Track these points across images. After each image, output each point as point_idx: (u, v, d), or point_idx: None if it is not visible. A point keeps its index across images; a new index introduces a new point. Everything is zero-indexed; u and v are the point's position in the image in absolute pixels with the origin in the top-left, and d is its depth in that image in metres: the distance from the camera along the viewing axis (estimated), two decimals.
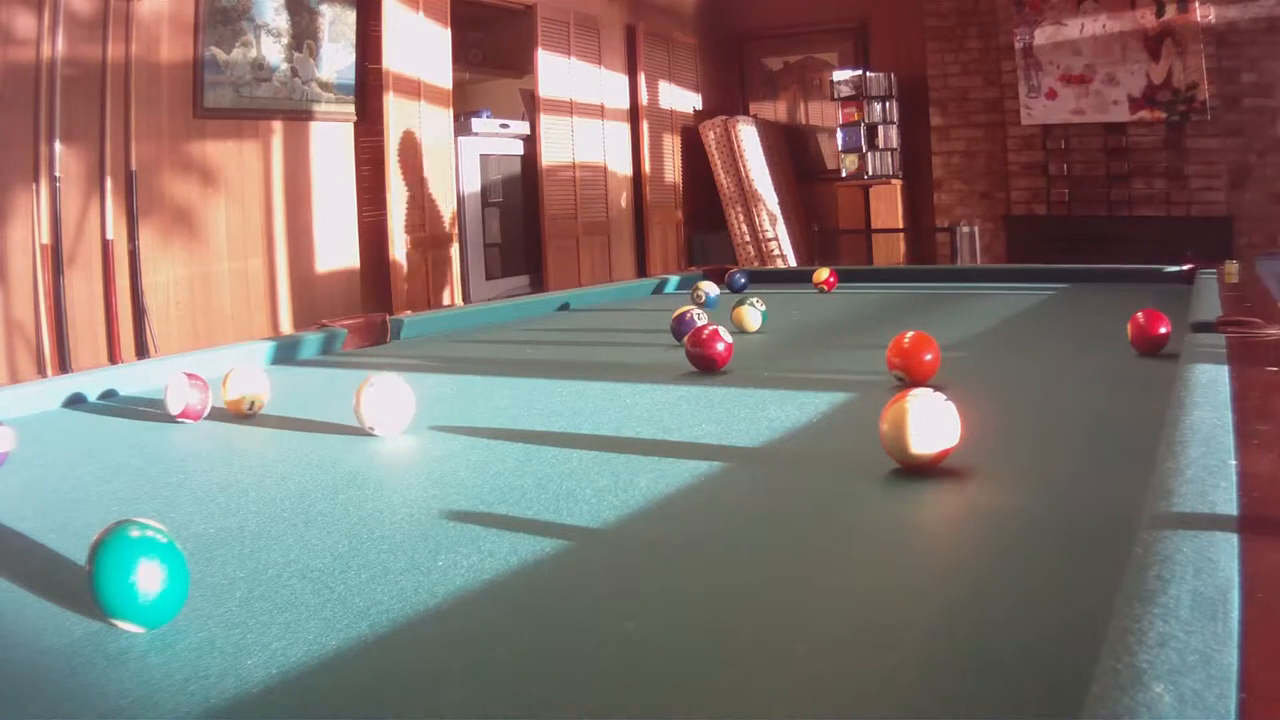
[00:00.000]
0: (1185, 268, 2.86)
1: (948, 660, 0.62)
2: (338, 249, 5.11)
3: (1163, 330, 1.68)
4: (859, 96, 7.75)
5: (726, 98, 8.51)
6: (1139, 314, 1.73)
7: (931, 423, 1.03)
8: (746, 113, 8.36)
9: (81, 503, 1.12)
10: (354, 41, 5.09)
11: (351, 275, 5.18)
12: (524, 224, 6.47)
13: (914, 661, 0.62)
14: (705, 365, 1.85)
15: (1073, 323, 2.40)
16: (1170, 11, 6.73)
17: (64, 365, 3.74)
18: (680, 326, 2.20)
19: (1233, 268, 2.64)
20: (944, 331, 1.87)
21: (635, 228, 7.56)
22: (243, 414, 1.59)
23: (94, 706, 0.60)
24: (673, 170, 7.87)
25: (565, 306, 3.24)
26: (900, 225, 7.75)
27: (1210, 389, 1.11)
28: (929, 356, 1.56)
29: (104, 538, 0.71)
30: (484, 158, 6.11)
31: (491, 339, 2.56)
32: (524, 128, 6.48)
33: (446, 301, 5.51)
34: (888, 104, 7.74)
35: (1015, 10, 7.19)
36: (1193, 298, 2.25)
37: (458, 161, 5.78)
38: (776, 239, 7.69)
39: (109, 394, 1.87)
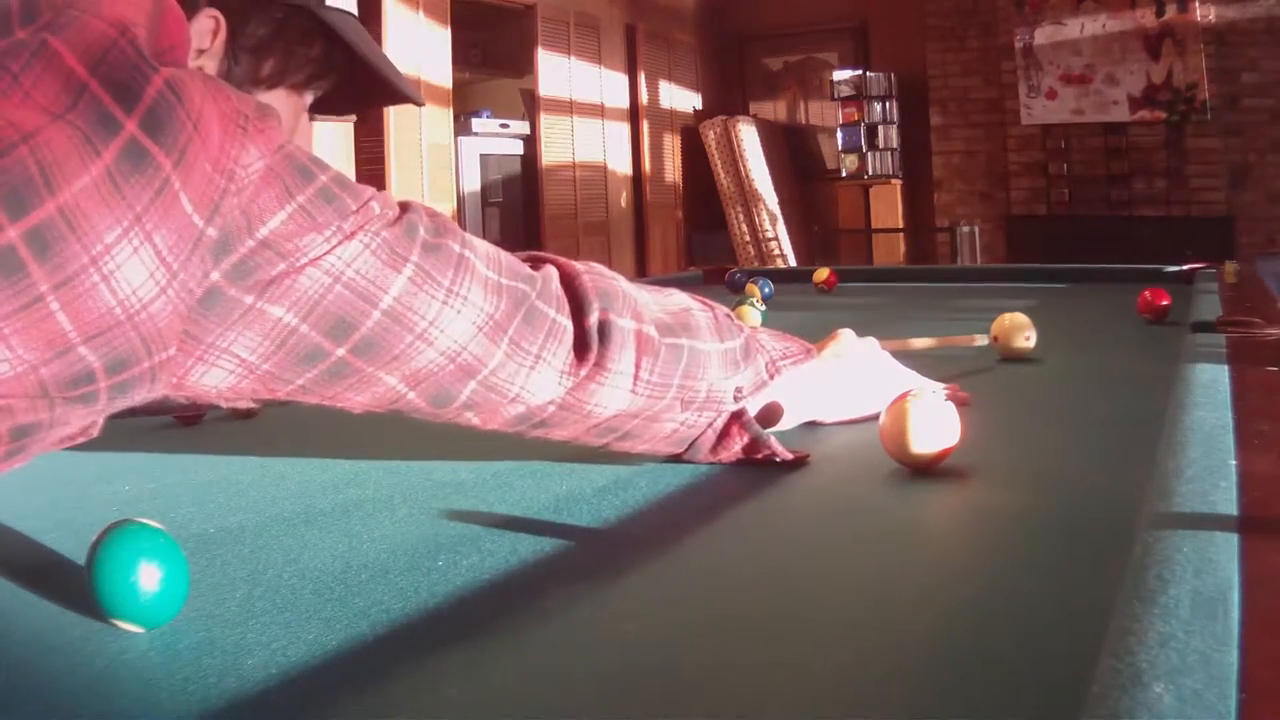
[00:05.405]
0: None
1: (947, 660, 0.62)
2: None
3: (1164, 303, 2.10)
4: (859, 96, 7.76)
5: (726, 98, 8.51)
6: (1146, 291, 2.14)
7: (931, 423, 1.03)
8: (746, 113, 8.36)
9: (81, 503, 1.12)
10: None
11: None
12: (524, 224, 6.47)
13: (914, 661, 0.62)
14: None
15: (1072, 322, 2.40)
16: (1170, 11, 6.74)
17: None
18: None
19: (1231, 268, 2.64)
20: (943, 331, 1.87)
21: (635, 228, 7.56)
22: None
23: (94, 706, 0.60)
24: (673, 170, 7.87)
25: None
26: (900, 225, 7.76)
27: (1210, 389, 1.10)
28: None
29: (104, 538, 0.71)
30: (484, 158, 6.11)
31: None
32: (524, 128, 6.48)
33: None
34: (888, 104, 7.75)
35: (1015, 10, 7.20)
36: (1193, 298, 2.25)
37: (458, 161, 5.79)
38: (776, 239, 7.69)
39: None
